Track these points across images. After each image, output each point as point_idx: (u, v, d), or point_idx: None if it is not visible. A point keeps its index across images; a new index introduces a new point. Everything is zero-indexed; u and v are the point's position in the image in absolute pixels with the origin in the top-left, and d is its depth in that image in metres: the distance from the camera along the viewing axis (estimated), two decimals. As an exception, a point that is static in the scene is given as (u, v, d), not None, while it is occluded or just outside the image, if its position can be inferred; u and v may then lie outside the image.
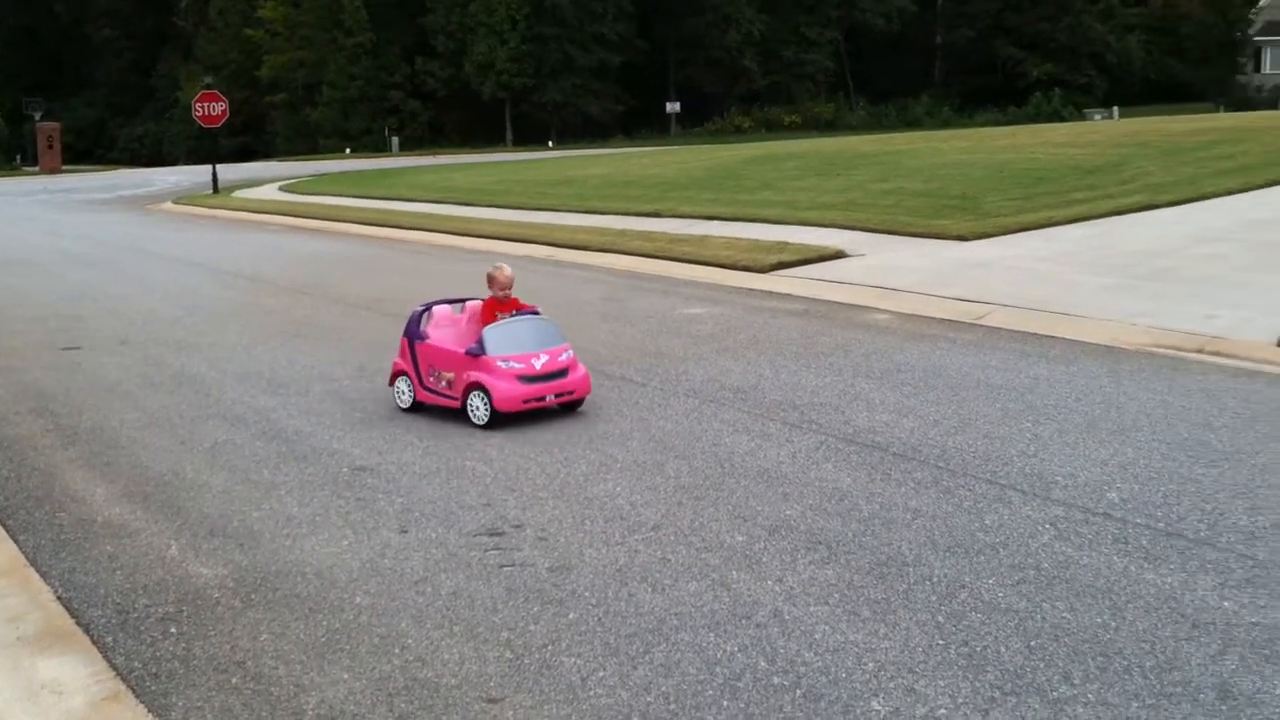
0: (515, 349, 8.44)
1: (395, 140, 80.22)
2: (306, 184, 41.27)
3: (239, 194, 38.41)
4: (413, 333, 9.00)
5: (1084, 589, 5.40)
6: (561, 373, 8.53)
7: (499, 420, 8.33)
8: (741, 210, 21.73)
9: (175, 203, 37.40)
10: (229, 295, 16.13)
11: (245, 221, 30.03)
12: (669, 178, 29.78)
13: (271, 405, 9.51)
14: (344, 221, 27.37)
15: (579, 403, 8.77)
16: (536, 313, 8.98)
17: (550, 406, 8.55)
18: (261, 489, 7.37)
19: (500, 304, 9.01)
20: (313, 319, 13.75)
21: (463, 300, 9.38)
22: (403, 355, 9.09)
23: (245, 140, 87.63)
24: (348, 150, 77.89)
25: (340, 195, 34.70)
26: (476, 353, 8.43)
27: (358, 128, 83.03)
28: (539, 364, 8.42)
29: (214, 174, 40.98)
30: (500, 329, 8.59)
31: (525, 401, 8.36)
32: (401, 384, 9.08)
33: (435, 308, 9.21)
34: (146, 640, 5.29)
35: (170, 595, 5.77)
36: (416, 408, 8.96)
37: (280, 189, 39.87)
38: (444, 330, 9.07)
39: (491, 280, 9.06)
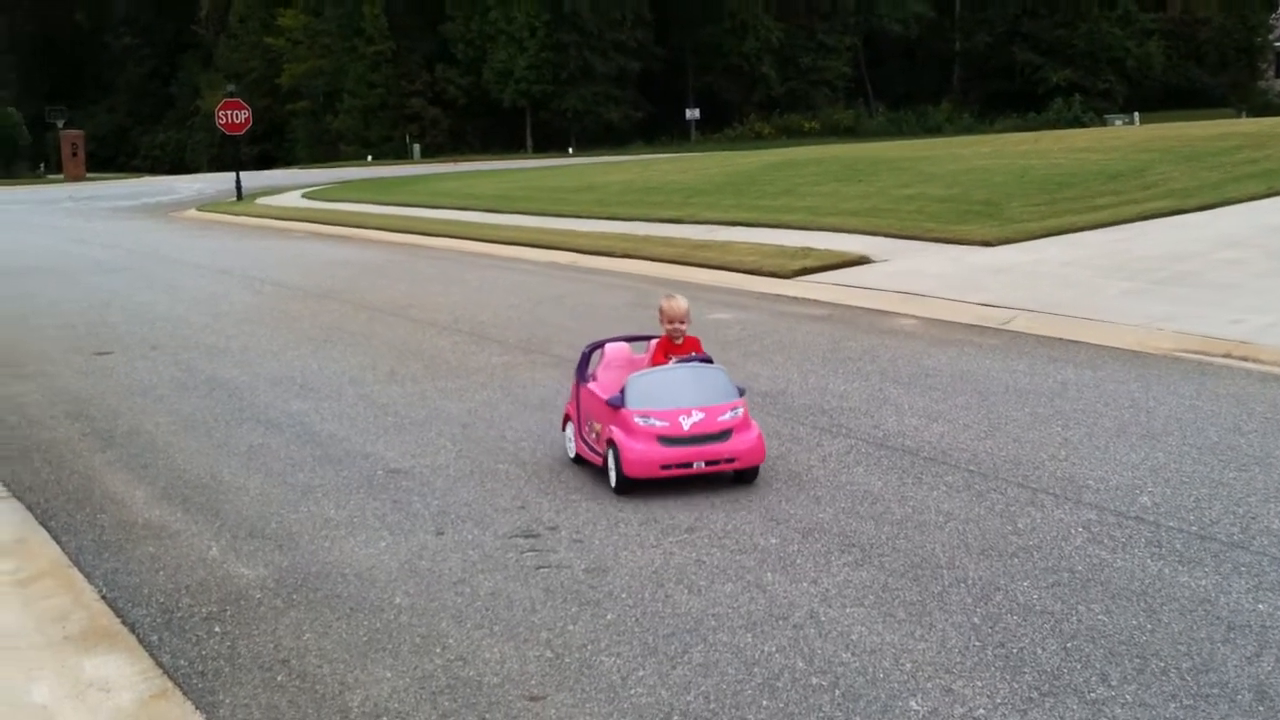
0: (662, 403, 7.02)
1: (416, 147, 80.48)
2: (329, 191, 41.47)
3: (262, 201, 38.61)
4: (580, 373, 7.77)
5: (1119, 591, 5.43)
6: (720, 435, 6.97)
7: (631, 487, 6.99)
8: (764, 216, 21.78)
9: (199, 210, 37.63)
10: (257, 301, 16.25)
11: (270, 228, 30.19)
12: (690, 184, 29.84)
13: (304, 409, 9.60)
14: (368, 228, 27.52)
15: (751, 472, 7.16)
16: (709, 360, 7.54)
17: (703, 474, 7.05)
18: (298, 491, 7.45)
19: (672, 344, 7.58)
20: (341, 324, 13.85)
21: (647, 338, 7.94)
22: (571, 399, 7.92)
23: (266, 148, 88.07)
24: (369, 157, 78.18)
25: (363, 202, 34.86)
26: (617, 404, 7.10)
27: (378, 135, 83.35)
28: (688, 423, 6.94)
29: (238, 181, 41.21)
30: (649, 377, 7.21)
31: (664, 467, 6.92)
32: (569, 431, 7.85)
33: (609, 345, 7.87)
34: (192, 639, 5.37)
35: (213, 595, 5.85)
36: (579, 461, 7.71)
37: (303, 196, 40.07)
38: (615, 373, 7.62)
39: (660, 313, 7.65)
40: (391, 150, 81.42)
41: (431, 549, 6.35)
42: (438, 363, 11.30)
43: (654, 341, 7.71)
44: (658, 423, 6.94)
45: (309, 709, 4.68)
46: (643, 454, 6.89)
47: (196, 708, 4.76)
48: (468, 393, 9.96)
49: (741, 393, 7.16)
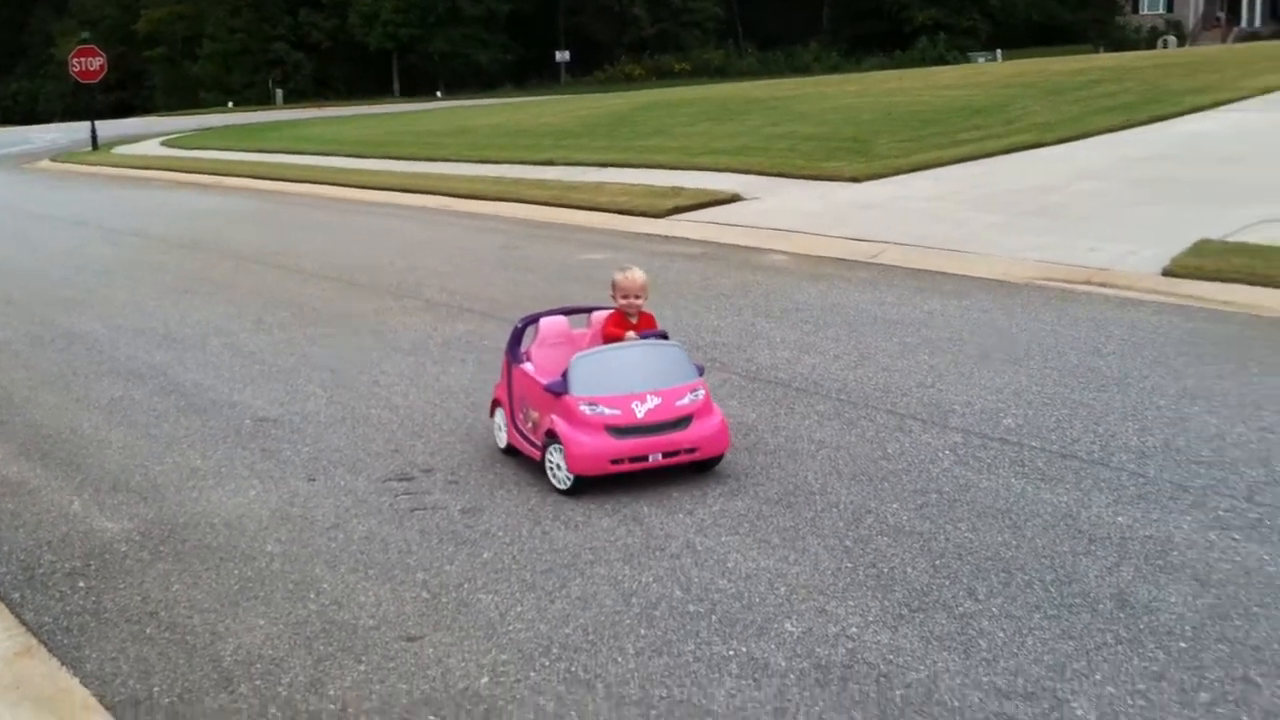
0: (611, 388, 6.05)
1: (279, 93, 78.71)
2: (190, 139, 40.36)
3: (120, 150, 37.46)
4: (512, 351, 6.78)
5: (984, 510, 5.56)
6: (678, 423, 6.05)
7: (579, 486, 6.03)
8: (636, 157, 21.74)
9: (53, 160, 36.37)
10: (116, 252, 15.79)
11: (128, 178, 29.32)
12: (562, 126, 29.65)
13: (168, 360, 9.37)
14: (231, 176, 26.87)
15: (712, 462, 6.27)
16: (664, 336, 6.63)
17: (660, 467, 6.10)
18: (163, 443, 7.27)
19: (625, 320, 6.64)
20: (205, 274, 13.53)
21: (589, 309, 7.08)
22: (501, 380, 6.89)
23: (123, 96, 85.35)
24: (230, 104, 76.24)
25: (225, 149, 34.02)
26: (558, 390, 6.11)
27: (240, 81, 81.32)
28: (642, 410, 6.00)
29: (93, 130, 39.90)
30: (595, 358, 6.19)
31: (614, 462, 5.97)
32: (499, 417, 6.86)
33: (544, 320, 6.90)
34: (55, 595, 5.22)
35: (76, 550, 5.69)
36: (511, 452, 6.73)
37: (162, 144, 38.95)
38: (554, 351, 6.73)
39: (614, 286, 6.70)
40: (254, 96, 79.49)
41: (303, 496, 6.26)
42: (306, 310, 11.10)
43: (600, 315, 6.83)
44: (607, 411, 5.99)
45: (180, 660, 4.59)
46: (591, 448, 5.94)
47: (63, 664, 4.64)
48: (337, 339, 9.81)
49: (701, 372, 6.31)
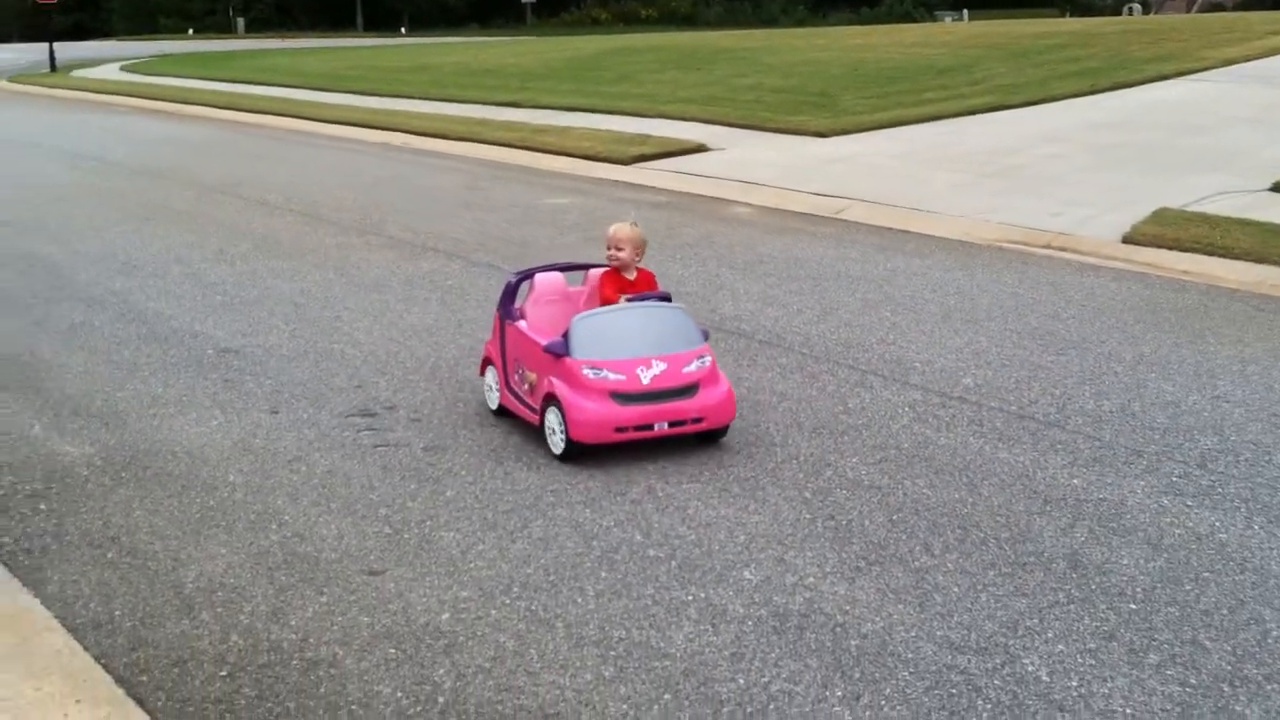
0: (615, 351, 5.73)
1: (240, 21, 77.60)
2: (150, 65, 39.79)
3: (78, 74, 36.87)
4: (505, 309, 6.40)
5: (942, 467, 5.65)
6: (685, 390, 5.75)
7: (579, 453, 5.74)
8: (601, 102, 21.64)
9: (10, 81, 35.76)
10: (75, 177, 15.59)
11: (87, 102, 28.89)
12: (528, 68, 29.45)
13: (128, 287, 9.30)
14: (192, 104, 26.54)
15: (719, 432, 5.99)
16: (667, 298, 6.21)
17: (665, 437, 5.80)
18: (124, 369, 7.24)
19: (620, 279, 6.26)
20: (166, 202, 13.40)
21: (585, 267, 6.65)
22: (493, 338, 6.52)
23: (80, 18, 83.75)
24: (190, 31, 75.13)
25: (186, 77, 33.56)
26: (559, 352, 5.76)
27: (200, 7, 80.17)
28: (647, 376, 5.69)
29: (51, 52, 39.23)
30: (597, 320, 5.85)
31: (618, 430, 5.66)
32: (490, 377, 6.51)
33: (539, 276, 6.51)
34: (16, 517, 5.21)
35: (37, 473, 5.68)
36: (502, 412, 6.42)
37: (122, 69, 38.37)
38: (550, 309, 6.39)
39: (607, 242, 6.29)
40: (214, 24, 78.40)
41: (265, 427, 6.26)
42: (268, 242, 11.03)
43: (596, 273, 6.40)
44: (611, 376, 5.67)
45: (141, 584, 4.60)
46: (595, 414, 5.62)
47: (24, 585, 4.64)
48: (300, 273, 9.76)
49: (706, 337, 6.00)
